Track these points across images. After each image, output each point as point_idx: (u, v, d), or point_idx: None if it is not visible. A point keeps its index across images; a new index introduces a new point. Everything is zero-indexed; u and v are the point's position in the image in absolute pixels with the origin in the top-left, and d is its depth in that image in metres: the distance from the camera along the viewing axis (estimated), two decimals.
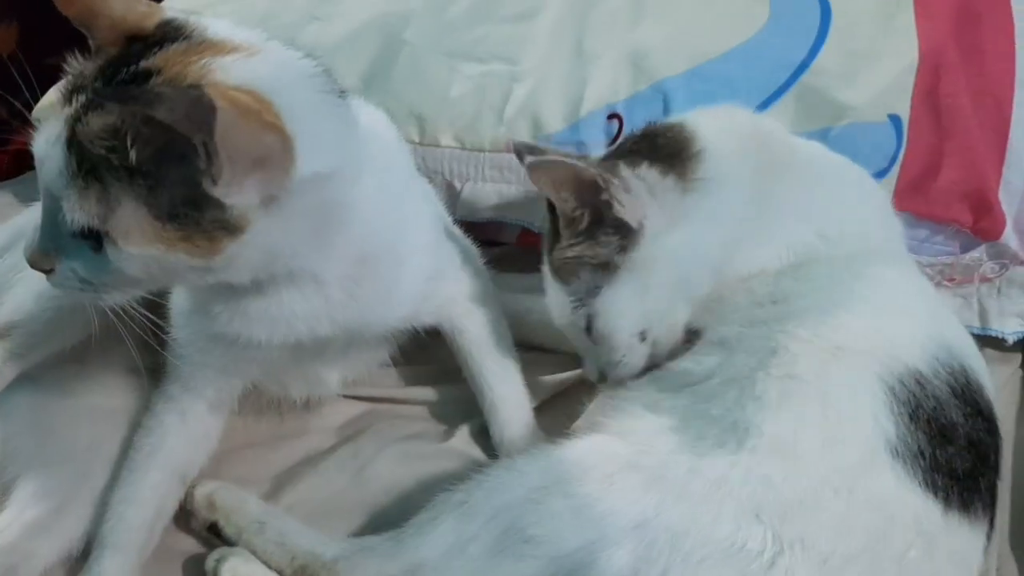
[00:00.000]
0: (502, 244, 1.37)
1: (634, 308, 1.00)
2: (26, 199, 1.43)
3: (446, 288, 1.06)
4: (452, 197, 1.30)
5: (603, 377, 1.04)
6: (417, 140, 1.29)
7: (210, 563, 0.90)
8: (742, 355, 0.91)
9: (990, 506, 0.87)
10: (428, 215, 1.05)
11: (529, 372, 1.12)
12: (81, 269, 0.76)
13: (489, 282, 1.14)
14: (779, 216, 1.01)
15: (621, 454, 0.86)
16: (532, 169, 0.97)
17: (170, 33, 0.77)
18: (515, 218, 1.33)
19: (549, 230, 1.04)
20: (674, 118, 1.07)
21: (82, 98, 0.73)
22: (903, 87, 1.25)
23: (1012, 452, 1.02)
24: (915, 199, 1.22)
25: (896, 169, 1.23)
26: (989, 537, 0.88)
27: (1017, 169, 1.23)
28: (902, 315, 0.94)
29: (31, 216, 1.01)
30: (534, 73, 1.28)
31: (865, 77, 1.25)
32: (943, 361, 0.89)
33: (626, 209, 0.97)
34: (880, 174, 1.22)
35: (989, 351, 1.18)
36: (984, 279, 1.25)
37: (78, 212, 0.72)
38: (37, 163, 0.78)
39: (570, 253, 0.99)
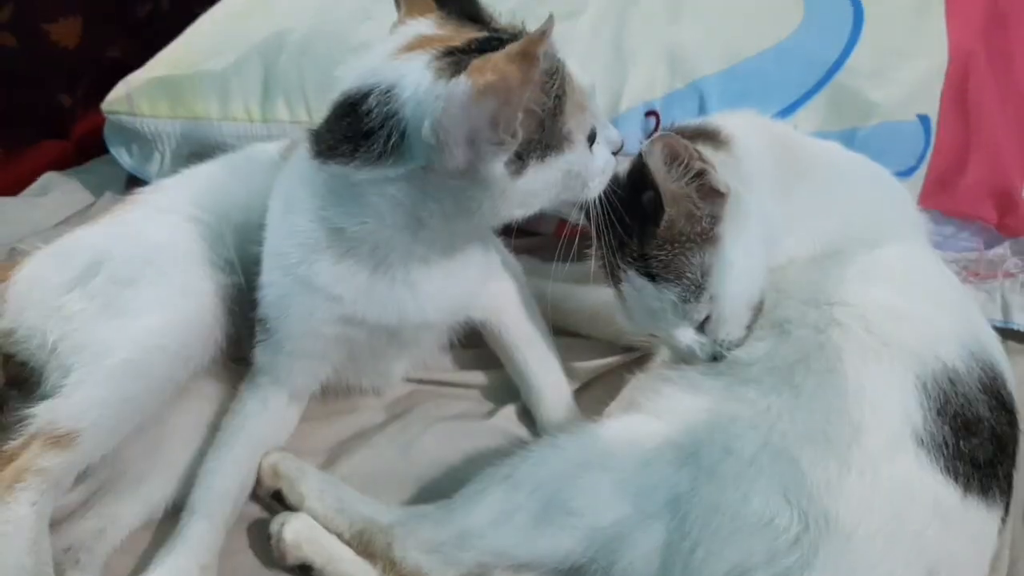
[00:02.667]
0: (540, 234, 1.40)
1: (749, 271, 0.98)
2: (91, 186, 1.51)
3: (493, 287, 1.10)
4: None
5: (717, 357, 1.00)
6: None
7: (275, 526, 0.96)
8: (788, 347, 0.94)
9: (1007, 492, 0.92)
10: None
11: (566, 358, 1.17)
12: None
13: (523, 278, 1.18)
14: (802, 209, 1.04)
15: (659, 432, 0.91)
16: (657, 141, 0.94)
17: None
18: (553, 209, 1.36)
19: (614, 237, 0.99)
20: (699, 119, 1.11)
21: None
22: (932, 87, 1.28)
23: None
24: (942, 197, 1.25)
25: (924, 167, 1.26)
26: (1004, 521, 0.92)
27: None
28: (943, 311, 0.98)
29: (107, 243, 1.05)
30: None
31: (895, 77, 1.28)
32: (977, 357, 0.93)
33: (717, 175, 0.96)
34: (908, 172, 1.26)
35: (1011, 343, 1.20)
36: (1007, 274, 1.28)
37: None
38: None
39: (675, 229, 0.96)
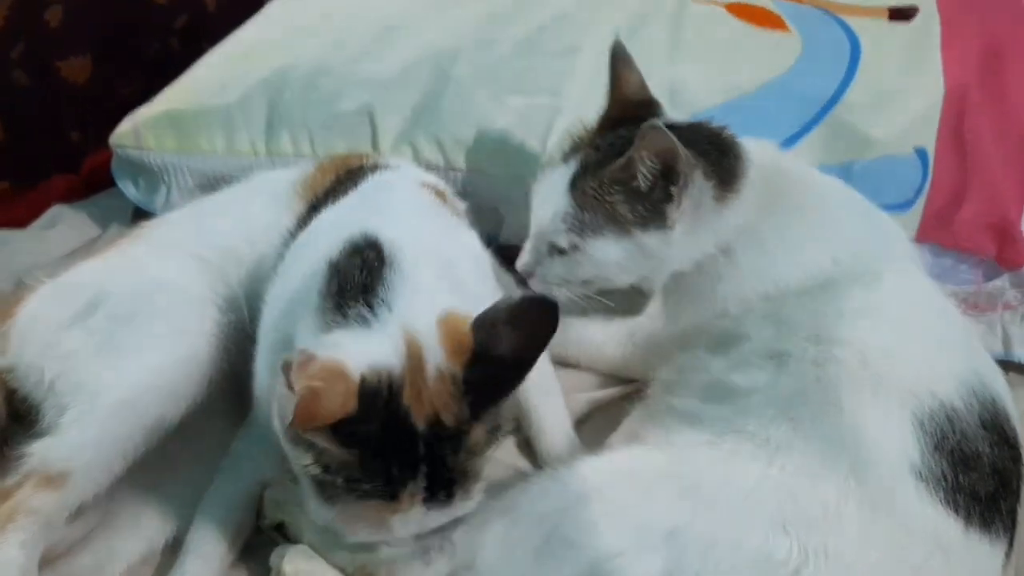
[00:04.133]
0: None
1: (613, 264, 1.08)
2: (98, 218, 1.52)
3: None
4: (497, 221, 1.36)
5: (528, 274, 1.12)
6: (464, 168, 1.35)
7: (274, 559, 0.95)
8: (787, 378, 0.95)
9: (1010, 527, 0.91)
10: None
11: (566, 389, 1.16)
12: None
13: None
14: (788, 242, 1.07)
15: (658, 464, 0.91)
16: (651, 129, 1.01)
17: None
18: None
19: (593, 162, 1.08)
20: (731, 131, 1.13)
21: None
22: (929, 122, 1.29)
23: None
24: (940, 230, 1.26)
25: (922, 201, 1.27)
26: (1008, 556, 0.92)
27: None
28: (941, 348, 0.98)
29: (108, 279, 1.06)
30: (576, 105, 1.34)
31: (893, 112, 1.30)
32: (978, 393, 0.93)
33: (679, 212, 1.04)
34: (906, 205, 1.27)
35: (1012, 375, 1.20)
36: (1007, 306, 1.28)
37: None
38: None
39: (608, 197, 1.05)
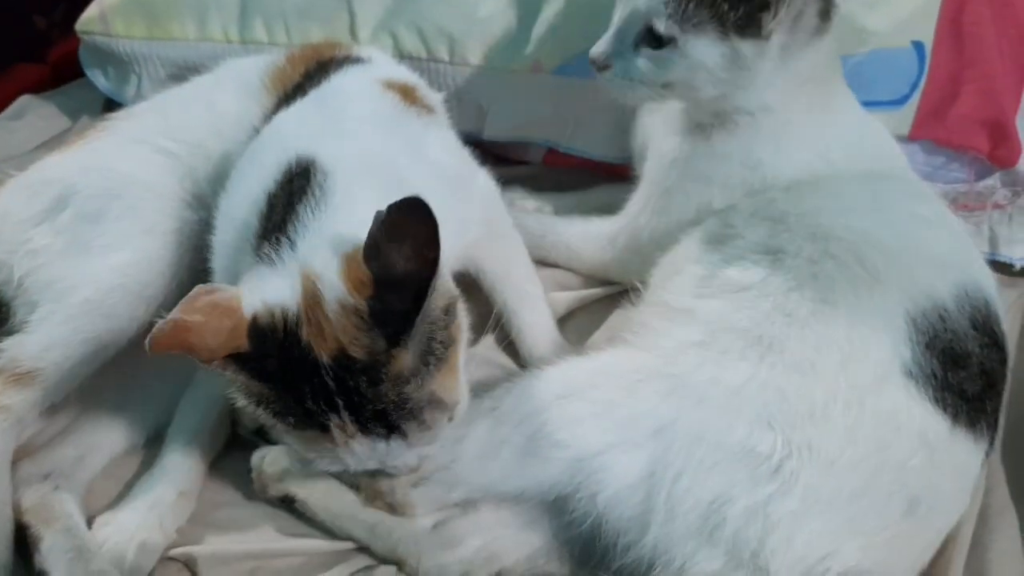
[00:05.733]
0: (528, 163, 1.40)
1: (707, 68, 0.99)
2: (68, 110, 1.49)
3: (469, 234, 1.04)
4: (480, 117, 1.33)
5: (604, 63, 1.02)
6: (447, 59, 1.31)
7: (255, 459, 0.97)
8: (783, 273, 0.94)
9: (992, 427, 0.93)
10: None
11: (548, 288, 1.16)
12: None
13: (503, 208, 1.14)
14: (793, 136, 1.05)
15: (647, 364, 0.91)
16: None
17: None
18: (541, 138, 1.36)
19: None
20: None
21: None
22: (928, 13, 1.26)
23: (1012, 372, 1.04)
24: (935, 126, 1.24)
25: (917, 96, 1.25)
26: (988, 454, 0.93)
27: None
28: (936, 249, 0.98)
29: (76, 175, 1.03)
30: None
31: (890, 2, 1.26)
32: (970, 294, 0.93)
33: (774, 22, 0.96)
34: (901, 100, 1.25)
35: (997, 276, 1.17)
36: (997, 206, 1.27)
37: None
38: None
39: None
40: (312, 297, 0.76)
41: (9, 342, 0.94)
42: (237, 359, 0.75)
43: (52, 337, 0.95)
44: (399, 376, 0.75)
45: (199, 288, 0.77)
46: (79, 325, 0.95)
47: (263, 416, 0.79)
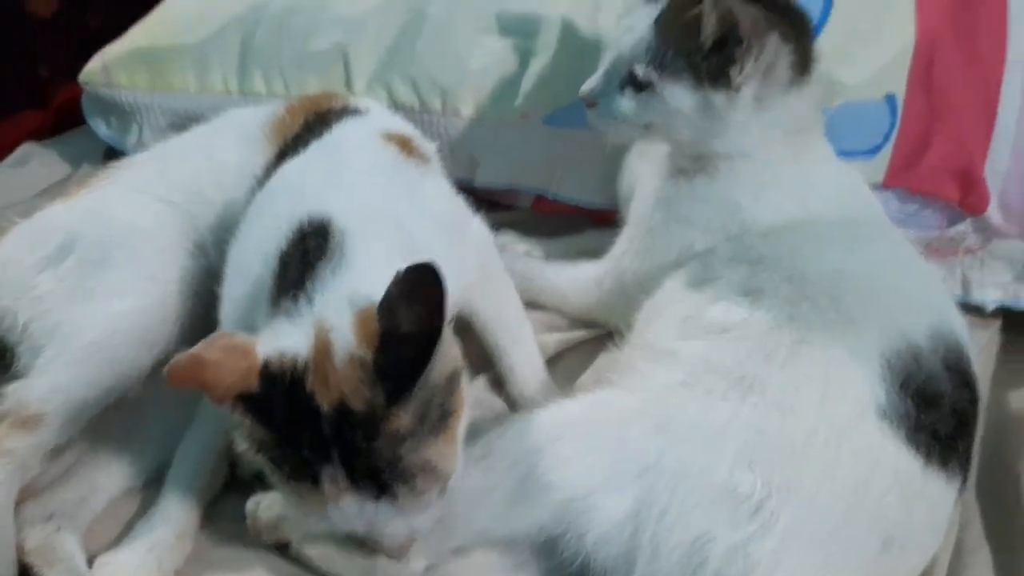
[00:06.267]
0: (516, 208, 1.43)
1: (683, 113, 1.05)
2: (70, 157, 1.52)
3: (465, 278, 1.06)
4: (471, 165, 1.37)
5: (592, 101, 1.10)
6: (439, 110, 1.35)
7: (251, 505, 0.97)
8: (762, 314, 0.97)
9: (965, 465, 0.95)
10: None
11: (536, 330, 1.18)
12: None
13: (495, 252, 1.16)
14: (774, 183, 1.09)
15: (632, 405, 0.93)
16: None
17: None
18: (531, 185, 1.39)
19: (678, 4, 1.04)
20: None
21: None
22: (900, 67, 1.30)
23: (984, 411, 1.07)
24: (907, 175, 1.28)
25: (890, 146, 1.29)
26: (961, 492, 0.95)
27: (1003, 149, 1.28)
28: (910, 291, 1.01)
29: (79, 223, 1.06)
30: (551, 48, 1.34)
31: (864, 57, 1.31)
32: (943, 336, 0.96)
33: (742, 75, 1.02)
34: (874, 150, 1.29)
35: (970, 318, 1.20)
36: (968, 251, 1.31)
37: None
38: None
39: (687, 44, 1.03)
40: (323, 347, 0.78)
41: (14, 386, 0.96)
42: (245, 401, 0.76)
43: (57, 381, 0.96)
44: (395, 435, 0.75)
45: (220, 332, 0.78)
46: (84, 370, 0.97)
47: (262, 462, 0.80)
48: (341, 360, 0.77)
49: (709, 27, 1.01)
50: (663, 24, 1.05)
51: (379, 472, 0.76)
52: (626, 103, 1.08)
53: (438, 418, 0.78)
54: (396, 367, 0.75)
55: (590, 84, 1.10)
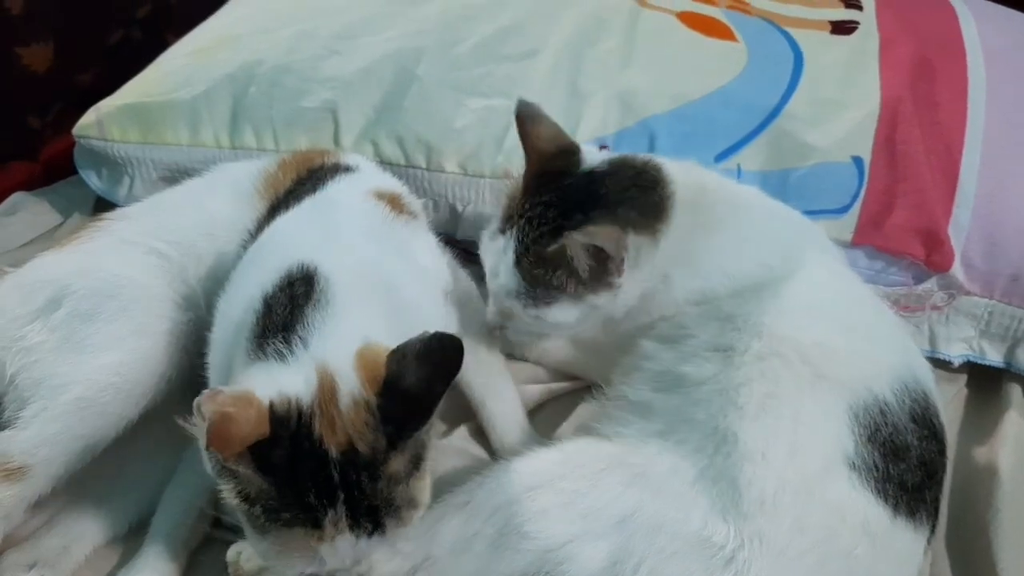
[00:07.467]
0: None
1: (571, 323, 1.11)
2: (60, 207, 1.52)
3: (451, 329, 1.08)
4: (454, 219, 1.39)
5: (495, 329, 1.15)
6: (424, 166, 1.38)
7: (231, 554, 0.98)
8: (733, 370, 0.99)
9: (933, 515, 0.97)
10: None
11: (517, 380, 1.21)
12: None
13: (480, 305, 1.18)
14: (717, 255, 1.11)
15: (609, 453, 0.96)
16: (572, 241, 1.03)
17: None
18: None
19: (529, 239, 1.08)
20: (653, 162, 1.16)
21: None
22: (866, 131, 1.35)
23: (952, 463, 1.12)
24: (874, 233, 1.32)
25: (858, 205, 1.33)
26: (930, 541, 0.98)
27: (965, 209, 1.32)
28: (877, 345, 1.03)
29: (70, 275, 1.07)
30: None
31: (832, 122, 1.36)
32: (909, 388, 0.98)
33: (620, 279, 1.07)
34: (843, 210, 1.33)
35: (937, 371, 1.25)
36: (934, 307, 1.34)
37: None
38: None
39: (553, 277, 1.07)
40: (328, 391, 0.79)
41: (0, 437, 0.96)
42: (252, 450, 0.76)
43: (43, 434, 0.96)
44: (392, 476, 0.79)
45: (206, 392, 0.77)
46: (71, 423, 0.97)
47: (247, 514, 0.80)
48: (346, 404, 0.79)
49: (582, 263, 1.05)
50: (526, 268, 1.08)
51: (377, 511, 0.79)
52: (523, 327, 1.13)
53: (423, 457, 0.82)
54: (397, 414, 0.78)
55: (489, 320, 1.15)
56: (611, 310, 1.11)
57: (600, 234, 1.03)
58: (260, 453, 0.77)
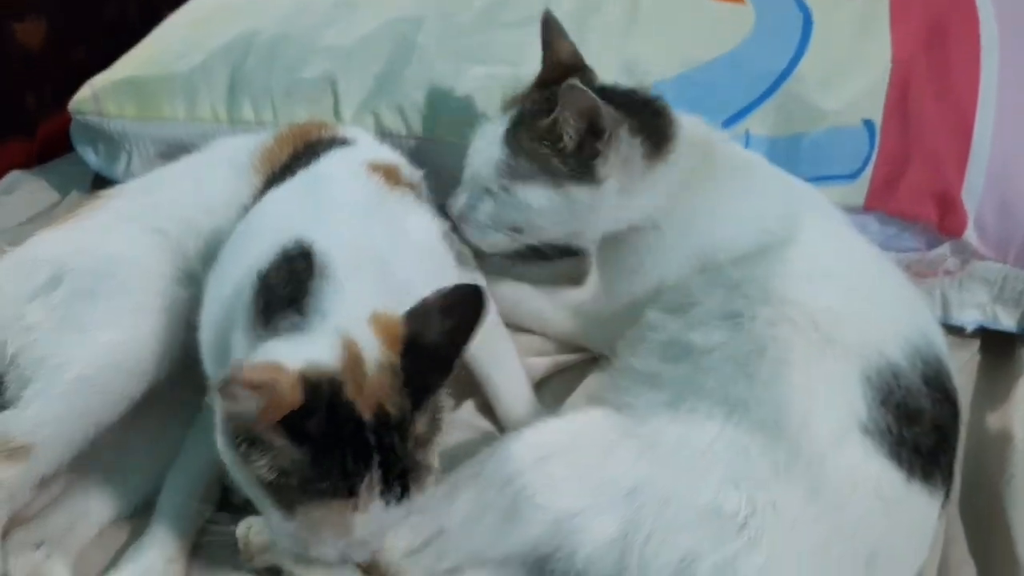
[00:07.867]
0: None
1: (541, 211, 1.11)
2: (57, 184, 1.52)
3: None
4: (455, 189, 1.38)
5: (461, 217, 1.16)
6: (424, 135, 1.37)
7: (242, 529, 0.96)
8: (743, 336, 0.99)
9: (947, 480, 0.96)
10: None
11: (523, 353, 1.19)
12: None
13: (481, 279, 1.16)
14: (717, 216, 1.12)
15: (619, 424, 0.95)
16: (570, 89, 1.04)
17: None
18: None
19: (527, 114, 1.12)
20: (664, 101, 1.18)
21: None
22: (876, 94, 1.33)
23: (966, 429, 1.10)
24: (886, 198, 1.30)
25: (869, 170, 1.31)
26: (944, 506, 0.97)
27: (978, 172, 1.30)
28: (887, 308, 1.03)
29: (69, 253, 1.06)
30: (534, 75, 1.34)
31: (842, 84, 1.33)
32: (922, 351, 0.97)
33: (607, 166, 1.08)
34: (855, 174, 1.31)
35: (950, 338, 1.23)
36: (947, 273, 1.33)
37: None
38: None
39: (540, 150, 1.09)
40: (354, 357, 0.79)
41: (2, 417, 0.96)
42: (284, 421, 0.75)
43: (46, 413, 0.96)
44: (419, 438, 0.79)
45: (236, 364, 0.77)
46: (73, 401, 0.97)
47: (289, 487, 0.77)
48: (372, 368, 0.79)
49: (571, 127, 1.06)
50: (515, 136, 1.10)
51: (407, 474, 0.79)
52: (488, 207, 1.14)
53: (440, 421, 0.82)
54: (420, 373, 0.79)
55: (454, 205, 1.16)
56: (586, 218, 1.11)
57: (595, 102, 1.04)
58: (292, 424, 0.75)
